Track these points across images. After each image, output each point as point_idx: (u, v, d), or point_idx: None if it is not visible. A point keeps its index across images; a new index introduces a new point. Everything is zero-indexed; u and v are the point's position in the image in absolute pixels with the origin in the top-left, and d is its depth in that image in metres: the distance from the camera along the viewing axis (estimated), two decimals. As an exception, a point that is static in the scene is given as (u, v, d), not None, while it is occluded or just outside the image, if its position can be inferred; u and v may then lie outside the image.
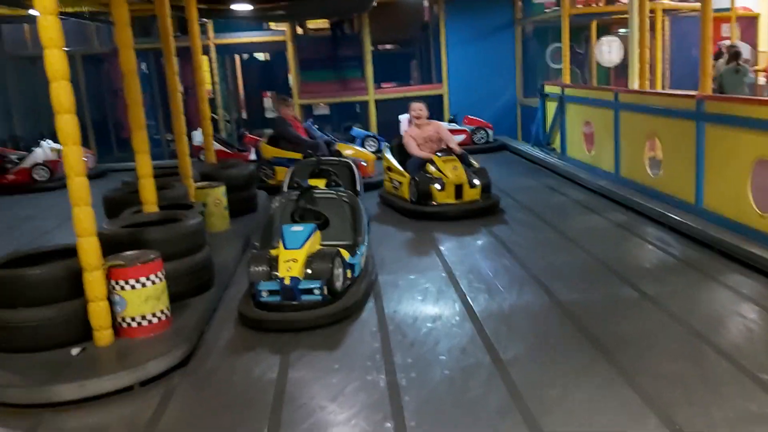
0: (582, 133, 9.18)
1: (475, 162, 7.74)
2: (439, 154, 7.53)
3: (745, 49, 13.47)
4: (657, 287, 4.84)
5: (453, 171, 7.27)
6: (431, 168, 7.42)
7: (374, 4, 11.13)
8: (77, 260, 3.94)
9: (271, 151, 9.54)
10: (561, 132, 10.00)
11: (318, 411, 3.40)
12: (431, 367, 3.79)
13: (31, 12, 9.88)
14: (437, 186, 7.19)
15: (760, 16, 15.74)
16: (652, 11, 11.34)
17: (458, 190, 7.25)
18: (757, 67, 12.87)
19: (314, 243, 4.90)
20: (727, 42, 13.55)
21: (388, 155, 8.24)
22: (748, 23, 14.91)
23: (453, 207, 7.26)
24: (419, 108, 7.96)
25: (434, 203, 7.25)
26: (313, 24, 16.88)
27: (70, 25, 12.61)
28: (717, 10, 10.65)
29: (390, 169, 8.05)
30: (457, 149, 7.62)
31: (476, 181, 7.27)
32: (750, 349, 3.78)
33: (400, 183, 7.74)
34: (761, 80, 13.29)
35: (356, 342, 4.23)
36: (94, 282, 3.93)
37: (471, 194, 7.28)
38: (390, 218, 7.60)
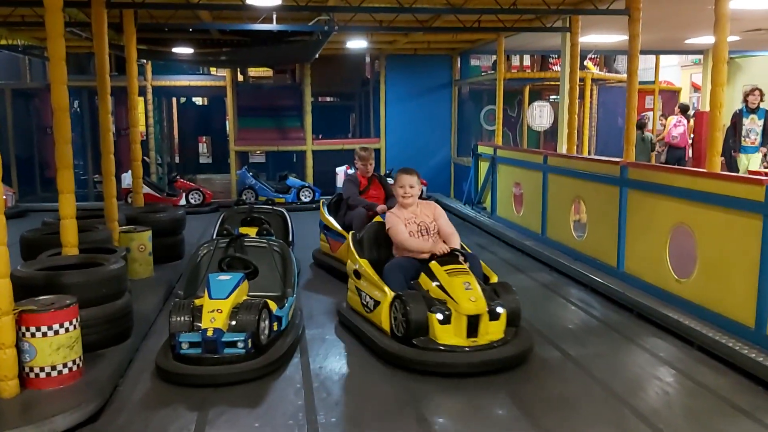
0: (512, 194, 9.41)
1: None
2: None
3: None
4: (580, 349, 4.93)
5: (465, 292, 4.47)
6: (428, 281, 4.70)
7: (317, 56, 11.28)
8: (-15, 305, 3.71)
9: (325, 218, 7.54)
10: (492, 191, 10.23)
11: (234, 472, 3.26)
12: (356, 427, 3.71)
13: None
14: (439, 317, 4.39)
15: (681, 90, 16.72)
16: (582, 80, 11.89)
17: (472, 323, 4.46)
18: (659, 137, 13.84)
19: (241, 293, 4.78)
20: (649, 113, 14.33)
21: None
22: (671, 96, 15.80)
23: (464, 355, 4.37)
24: (409, 183, 5.22)
25: (436, 345, 4.42)
26: (254, 71, 16.96)
27: (2, 58, 12.29)
28: (642, 83, 11.25)
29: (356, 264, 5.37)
30: (458, 246, 5.14)
31: (500, 309, 4.53)
32: (667, 414, 3.86)
33: (377, 302, 4.88)
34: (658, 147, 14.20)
35: (279, 399, 4.11)
36: (2, 328, 3.70)
37: (492, 330, 4.51)
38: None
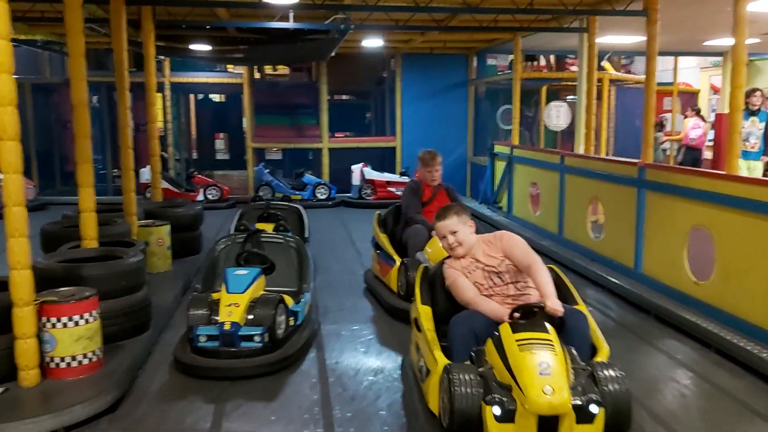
0: (528, 194, 9.39)
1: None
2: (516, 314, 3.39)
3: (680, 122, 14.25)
4: (596, 349, 4.90)
5: (538, 378, 2.91)
6: (494, 353, 3.15)
7: (333, 54, 11.31)
8: (7, 294, 3.76)
9: (378, 233, 6.35)
10: (508, 191, 10.21)
11: (251, 464, 3.29)
12: (371, 423, 3.72)
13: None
14: (496, 411, 2.95)
15: (700, 92, 16.59)
16: (599, 80, 11.84)
17: (547, 425, 2.91)
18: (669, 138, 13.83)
19: (258, 288, 4.82)
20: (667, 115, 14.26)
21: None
22: (689, 98, 15.68)
23: None
24: (450, 230, 3.82)
25: None
26: (271, 69, 17.03)
27: (21, 53, 12.42)
28: (660, 84, 11.17)
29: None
30: (558, 308, 3.36)
31: (594, 408, 2.96)
32: (684, 416, 3.85)
33: (428, 371, 3.50)
34: (666, 145, 14.15)
35: (295, 393, 4.14)
36: (23, 318, 3.75)
37: None
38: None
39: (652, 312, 5.62)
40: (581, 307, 3.70)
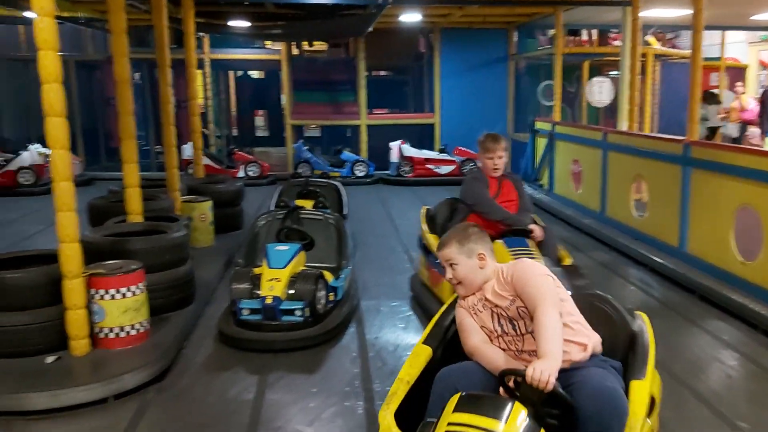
0: (570, 171, 9.26)
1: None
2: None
3: (729, 97, 13.85)
4: (638, 329, 4.84)
5: None
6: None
7: (370, 29, 11.23)
8: (57, 266, 3.87)
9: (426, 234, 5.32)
10: (549, 168, 10.08)
11: (294, 435, 3.35)
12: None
13: (28, 14, 9.88)
14: None
15: (748, 67, 16.08)
16: (643, 55, 11.55)
17: None
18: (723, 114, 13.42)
19: (298, 263, 4.87)
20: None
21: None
22: (737, 73, 15.22)
23: None
24: (448, 260, 2.77)
25: None
26: (308, 45, 16.98)
27: (65, 30, 12.62)
28: (707, 59, 10.86)
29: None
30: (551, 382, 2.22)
31: None
32: (729, 397, 3.79)
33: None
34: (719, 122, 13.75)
35: (336, 366, 4.19)
36: (73, 289, 3.87)
37: None
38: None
39: (696, 292, 5.52)
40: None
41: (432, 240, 5.04)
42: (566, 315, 2.52)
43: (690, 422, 3.49)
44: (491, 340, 2.65)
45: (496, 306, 2.64)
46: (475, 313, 2.70)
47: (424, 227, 5.36)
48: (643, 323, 2.83)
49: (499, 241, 4.33)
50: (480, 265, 2.70)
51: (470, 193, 4.88)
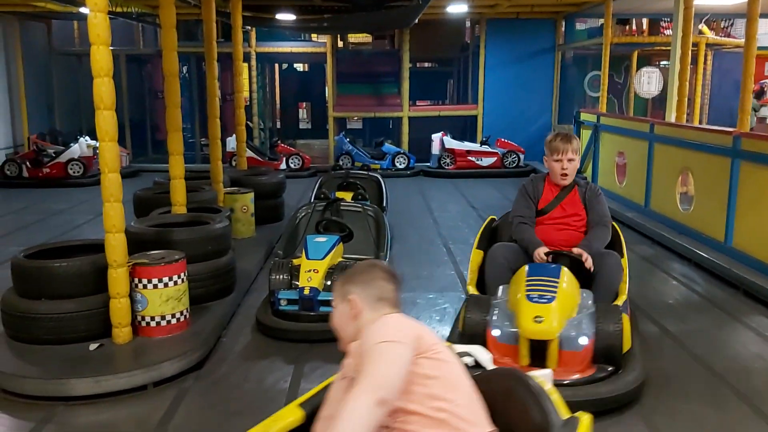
0: (614, 163, 9.09)
1: None
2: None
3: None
4: (680, 325, 4.75)
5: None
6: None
7: (416, 21, 11.22)
8: (103, 256, 3.99)
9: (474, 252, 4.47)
10: (593, 161, 9.91)
11: (327, 424, 3.39)
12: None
13: (82, 10, 10.18)
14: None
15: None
16: (695, 44, 11.25)
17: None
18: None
19: (336, 255, 4.92)
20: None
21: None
22: (793, 63, 14.67)
23: None
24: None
25: None
26: (354, 38, 17.05)
27: (116, 25, 12.96)
28: (761, 48, 10.51)
29: None
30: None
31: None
32: (771, 396, 3.70)
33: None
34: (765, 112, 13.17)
35: (371, 358, 4.21)
36: (118, 278, 3.97)
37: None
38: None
39: (741, 287, 5.38)
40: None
41: (474, 258, 4.35)
42: (426, 399, 1.84)
43: (730, 421, 3.41)
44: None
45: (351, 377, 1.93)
46: (343, 377, 2.06)
47: (478, 239, 4.49)
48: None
49: (525, 267, 3.82)
50: (351, 314, 2.09)
51: (514, 204, 4.28)
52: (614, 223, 4.24)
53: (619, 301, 3.84)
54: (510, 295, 3.70)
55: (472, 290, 4.03)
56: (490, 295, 3.85)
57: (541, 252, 3.89)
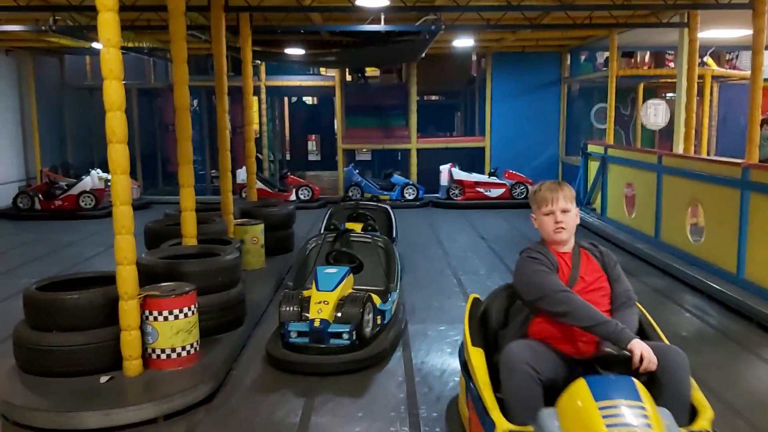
0: (623, 195, 9.10)
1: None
2: None
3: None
4: (693, 357, 4.63)
5: None
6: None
7: (423, 55, 11.35)
8: (114, 288, 4.00)
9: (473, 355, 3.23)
10: (602, 192, 9.92)
11: (338, 459, 3.36)
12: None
13: (95, 45, 10.35)
14: None
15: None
16: (701, 77, 11.32)
17: None
18: None
19: (347, 286, 4.92)
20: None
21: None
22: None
23: None
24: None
25: None
26: (365, 74, 17.24)
27: (129, 59, 13.17)
28: (767, 80, 10.57)
29: None
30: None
31: None
32: (788, 430, 3.64)
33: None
34: None
35: (382, 391, 4.19)
36: (129, 311, 3.98)
37: None
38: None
39: (755, 319, 5.34)
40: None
41: (477, 365, 3.06)
42: None
43: (746, 456, 3.36)
44: None
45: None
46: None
47: (469, 332, 3.32)
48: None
49: (582, 382, 2.49)
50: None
51: (526, 279, 3.01)
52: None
53: (706, 423, 2.65)
54: (571, 429, 2.39)
55: (502, 422, 2.65)
56: (521, 423, 2.62)
57: (638, 345, 2.68)
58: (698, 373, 4.36)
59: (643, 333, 3.03)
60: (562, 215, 3.03)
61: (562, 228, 3.03)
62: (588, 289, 2.98)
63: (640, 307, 3.16)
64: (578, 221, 3.11)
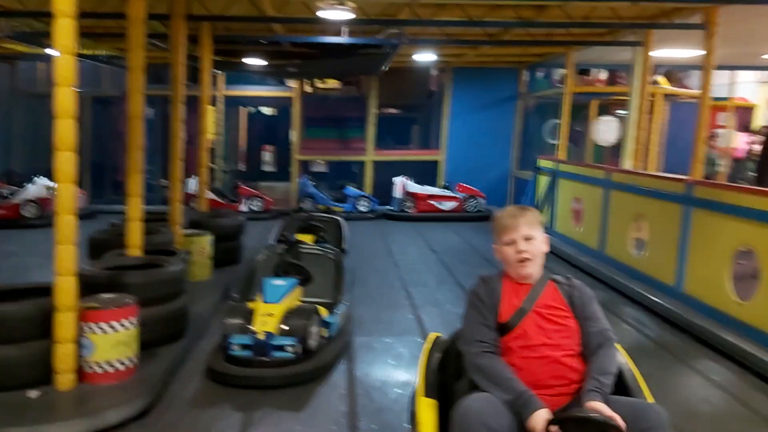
0: (571, 209, 9.26)
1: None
2: None
3: (735, 138, 13.85)
4: (631, 369, 4.80)
5: None
6: None
7: (385, 68, 11.41)
8: (50, 299, 3.91)
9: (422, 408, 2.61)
10: (551, 206, 10.08)
11: (273, 473, 3.34)
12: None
13: (49, 51, 10.15)
14: None
15: (757, 107, 16.07)
16: (652, 95, 11.62)
17: None
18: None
19: (294, 298, 4.89)
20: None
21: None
22: (744, 113, 15.21)
23: None
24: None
25: None
26: (321, 82, 17.24)
27: (85, 67, 12.97)
28: (716, 99, 10.90)
29: None
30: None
31: None
32: (717, 440, 3.74)
33: None
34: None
35: (323, 404, 4.18)
36: (65, 323, 3.88)
37: None
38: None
39: (691, 332, 5.48)
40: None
41: (425, 411, 2.51)
42: None
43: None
44: None
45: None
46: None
47: (422, 379, 2.72)
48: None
49: None
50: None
51: (461, 325, 2.71)
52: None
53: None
54: None
55: None
56: None
57: (540, 422, 2.24)
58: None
59: (624, 385, 2.56)
60: (525, 243, 2.61)
61: (527, 259, 2.59)
62: (541, 326, 2.51)
63: (625, 354, 2.71)
64: (547, 248, 2.69)
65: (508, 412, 2.32)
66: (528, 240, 2.62)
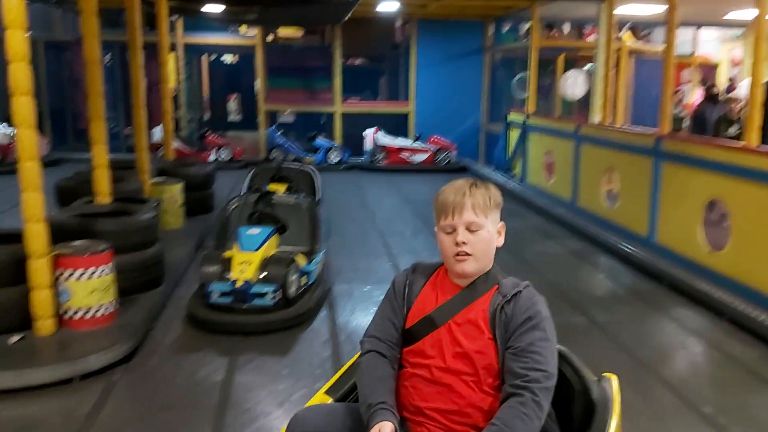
0: (543, 162, 9.32)
1: None
2: None
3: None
4: (606, 316, 4.91)
5: None
6: None
7: (347, 17, 11.16)
8: (22, 246, 3.79)
9: None
10: (522, 159, 10.13)
11: (263, 417, 3.33)
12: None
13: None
14: None
15: (720, 64, 16.34)
16: (618, 50, 11.67)
17: None
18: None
19: (270, 247, 4.83)
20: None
21: None
22: (708, 70, 15.45)
23: None
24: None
25: None
26: (284, 32, 16.84)
27: (35, 10, 12.36)
28: (679, 56, 11.00)
29: None
30: None
31: None
32: (694, 382, 3.86)
33: None
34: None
35: (306, 350, 4.17)
36: (39, 269, 3.80)
37: None
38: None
39: (664, 280, 5.60)
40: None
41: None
42: None
43: (655, 407, 3.53)
44: None
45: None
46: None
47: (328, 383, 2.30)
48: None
49: None
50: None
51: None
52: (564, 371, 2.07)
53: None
54: None
55: None
56: None
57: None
58: (610, 331, 4.59)
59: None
60: (465, 234, 1.90)
61: (465, 254, 1.89)
62: (445, 347, 1.89)
63: (616, 393, 2.05)
64: (499, 243, 1.97)
65: (348, 426, 1.87)
66: (472, 231, 1.90)
